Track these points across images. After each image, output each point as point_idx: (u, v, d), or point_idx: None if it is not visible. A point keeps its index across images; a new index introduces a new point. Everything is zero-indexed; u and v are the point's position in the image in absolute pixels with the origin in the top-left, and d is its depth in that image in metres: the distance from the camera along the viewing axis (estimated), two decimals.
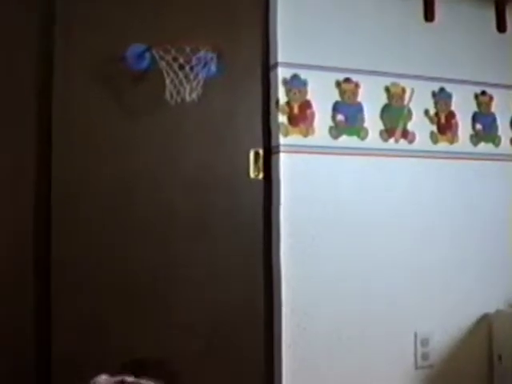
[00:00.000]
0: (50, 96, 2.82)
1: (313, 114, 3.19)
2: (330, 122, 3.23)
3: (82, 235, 2.80)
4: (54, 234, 2.76)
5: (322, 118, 3.21)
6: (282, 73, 3.15)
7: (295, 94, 3.16)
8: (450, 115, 3.52)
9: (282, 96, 3.14)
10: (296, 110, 3.16)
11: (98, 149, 2.87)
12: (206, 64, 2.84)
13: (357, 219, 3.24)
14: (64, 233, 2.77)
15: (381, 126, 3.34)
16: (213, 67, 2.90)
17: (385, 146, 3.34)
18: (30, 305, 2.73)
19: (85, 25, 2.87)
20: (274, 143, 3.13)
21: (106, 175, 2.87)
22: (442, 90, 3.50)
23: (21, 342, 2.70)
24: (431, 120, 3.47)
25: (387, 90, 3.36)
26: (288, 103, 3.14)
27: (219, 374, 2.91)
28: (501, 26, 3.71)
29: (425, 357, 3.32)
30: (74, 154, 2.83)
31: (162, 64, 2.81)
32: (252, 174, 3.11)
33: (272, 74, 3.18)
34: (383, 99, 3.36)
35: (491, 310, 3.47)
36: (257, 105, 3.16)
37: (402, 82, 3.39)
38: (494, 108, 3.65)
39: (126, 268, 2.83)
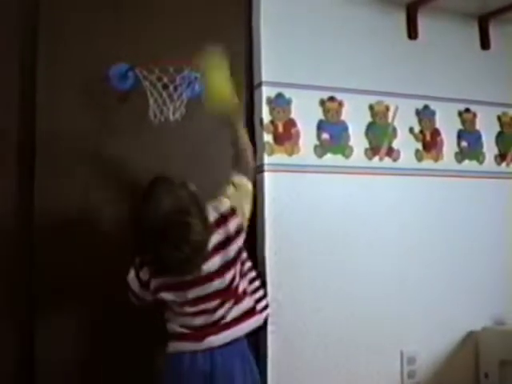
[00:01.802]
0: (33, 114, 2.81)
1: (298, 133, 3.20)
2: (315, 141, 3.24)
3: (64, 264, 2.79)
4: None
5: (306, 136, 3.21)
6: (266, 92, 3.16)
7: (279, 112, 3.16)
8: (435, 133, 3.54)
9: (266, 115, 3.14)
10: (281, 128, 3.16)
11: (81, 168, 2.85)
12: (189, 84, 2.84)
13: (342, 238, 3.24)
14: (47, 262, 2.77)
15: (366, 144, 3.35)
16: (197, 87, 2.90)
17: (370, 164, 3.35)
18: None
19: (68, 43, 2.88)
20: (258, 162, 3.12)
21: (89, 193, 2.86)
22: (425, 107, 3.52)
23: None
24: (416, 138, 3.49)
25: (371, 108, 3.38)
26: (272, 122, 3.14)
27: None
28: (484, 44, 3.74)
29: (411, 375, 3.31)
30: (57, 172, 2.82)
31: (146, 84, 2.80)
32: None
33: (256, 93, 3.19)
34: (367, 117, 3.37)
35: (477, 327, 3.47)
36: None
37: (386, 100, 3.41)
38: (478, 125, 3.67)
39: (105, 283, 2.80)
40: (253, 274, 2.69)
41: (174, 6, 3.08)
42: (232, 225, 2.53)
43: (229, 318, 2.52)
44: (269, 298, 3.01)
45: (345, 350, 3.18)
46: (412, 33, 3.52)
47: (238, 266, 2.56)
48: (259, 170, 3.12)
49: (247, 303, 2.59)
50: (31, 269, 2.75)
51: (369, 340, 3.23)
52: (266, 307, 2.72)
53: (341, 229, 3.24)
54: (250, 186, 2.66)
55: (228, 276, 2.50)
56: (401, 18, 3.51)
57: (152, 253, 2.38)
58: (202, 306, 2.49)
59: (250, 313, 2.60)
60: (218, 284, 2.48)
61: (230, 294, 2.53)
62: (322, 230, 3.20)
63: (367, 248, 3.28)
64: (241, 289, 2.58)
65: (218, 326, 2.50)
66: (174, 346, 2.52)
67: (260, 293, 2.71)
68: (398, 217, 3.37)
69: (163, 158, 2.97)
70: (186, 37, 3.04)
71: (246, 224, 2.61)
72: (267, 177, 3.10)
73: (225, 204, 2.56)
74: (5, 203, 2.75)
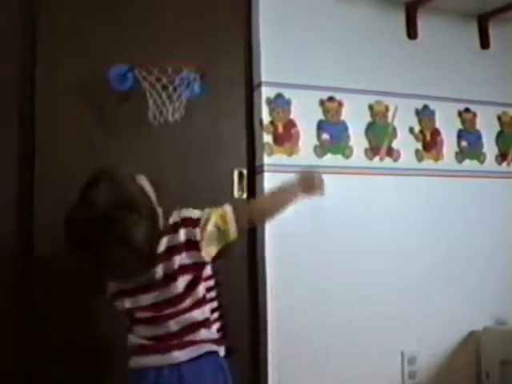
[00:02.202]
0: (32, 116, 2.80)
1: (297, 133, 3.19)
2: (315, 141, 3.23)
3: (62, 264, 2.76)
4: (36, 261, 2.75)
5: (306, 136, 3.21)
6: (266, 92, 3.15)
7: (279, 113, 3.16)
8: (435, 132, 3.54)
9: (265, 115, 3.13)
10: (280, 129, 3.16)
11: (81, 169, 2.83)
12: (189, 84, 2.83)
13: (342, 238, 3.23)
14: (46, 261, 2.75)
15: (366, 145, 3.35)
16: (196, 87, 2.90)
17: (370, 164, 3.34)
18: None
19: (67, 44, 2.87)
20: (258, 163, 3.13)
21: None
22: (425, 107, 3.51)
23: None
24: (416, 138, 3.48)
25: (371, 108, 3.37)
26: (272, 122, 3.14)
27: None
28: (484, 43, 3.74)
29: (412, 375, 3.31)
30: (57, 173, 2.80)
31: (145, 85, 2.79)
32: (236, 194, 3.10)
33: (256, 94, 3.18)
34: (367, 117, 3.37)
35: (478, 327, 3.46)
36: (241, 125, 3.17)
37: (386, 100, 3.40)
38: (478, 125, 3.66)
39: None
40: (214, 304, 2.34)
41: (173, 7, 3.07)
42: (183, 232, 2.21)
43: (188, 337, 2.21)
44: (269, 298, 3.02)
45: (345, 350, 3.17)
46: (411, 33, 3.52)
47: (182, 281, 2.20)
48: (259, 170, 3.12)
49: (208, 332, 2.25)
50: (31, 277, 2.75)
51: (369, 340, 3.23)
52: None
53: (341, 229, 3.23)
54: (232, 229, 2.25)
55: (174, 286, 2.19)
56: (400, 18, 3.51)
57: (90, 251, 2.09)
58: (153, 314, 2.21)
59: (215, 341, 2.26)
60: (164, 293, 2.19)
61: (183, 310, 2.21)
62: (322, 230, 3.19)
63: (368, 248, 3.27)
64: (198, 313, 2.23)
65: (183, 342, 2.20)
66: (137, 361, 2.24)
67: (217, 324, 2.34)
68: (399, 217, 3.37)
69: (163, 158, 2.97)
70: (185, 37, 3.04)
71: (208, 257, 2.24)
72: (267, 177, 3.09)
73: (191, 212, 2.27)
74: (5, 202, 2.75)
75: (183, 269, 2.20)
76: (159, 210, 2.23)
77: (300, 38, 3.26)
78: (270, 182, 3.09)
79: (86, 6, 2.93)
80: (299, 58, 3.24)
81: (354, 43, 3.38)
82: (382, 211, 3.33)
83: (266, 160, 3.10)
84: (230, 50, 3.17)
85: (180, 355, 2.19)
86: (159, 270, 2.19)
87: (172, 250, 2.21)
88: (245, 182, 3.11)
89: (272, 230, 3.08)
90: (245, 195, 3.10)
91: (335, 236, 3.22)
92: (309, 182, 2.46)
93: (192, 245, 2.21)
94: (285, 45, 3.22)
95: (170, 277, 2.19)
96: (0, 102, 2.77)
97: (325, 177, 3.15)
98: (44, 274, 2.74)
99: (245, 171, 3.12)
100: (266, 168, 3.09)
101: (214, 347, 2.24)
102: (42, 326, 2.72)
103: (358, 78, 3.35)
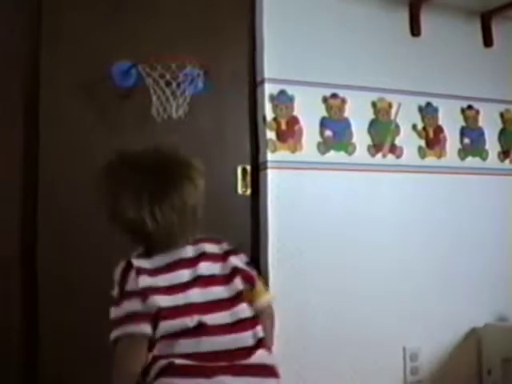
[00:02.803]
0: (36, 113, 2.81)
1: (301, 130, 3.20)
2: (318, 138, 3.24)
3: (68, 258, 2.79)
4: (40, 258, 2.77)
5: (309, 133, 3.22)
6: (269, 89, 3.16)
7: (282, 109, 3.16)
8: (438, 130, 3.54)
9: (268, 112, 3.14)
10: (284, 125, 3.16)
11: (84, 166, 2.85)
12: (192, 80, 2.84)
13: (345, 234, 3.24)
14: (51, 251, 2.77)
15: (368, 141, 3.35)
16: (200, 84, 2.91)
17: (373, 161, 3.35)
18: None
19: (71, 41, 2.87)
20: (261, 159, 3.13)
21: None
22: (428, 104, 3.51)
23: None
24: (419, 135, 3.48)
25: (374, 104, 3.38)
26: (275, 119, 3.15)
27: None
28: (487, 41, 3.73)
29: (414, 371, 3.31)
30: (61, 170, 2.82)
31: (149, 81, 2.80)
32: (240, 191, 3.11)
33: (259, 90, 3.19)
34: (370, 114, 3.37)
35: (480, 324, 3.47)
36: (244, 121, 3.17)
37: (389, 97, 3.40)
38: (481, 122, 3.66)
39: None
40: None
41: (176, 3, 3.08)
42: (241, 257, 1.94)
43: (241, 361, 1.74)
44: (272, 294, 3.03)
45: (347, 346, 3.18)
46: (415, 30, 3.52)
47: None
48: (263, 166, 3.13)
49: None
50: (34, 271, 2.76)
51: (371, 337, 3.23)
52: None
53: (344, 226, 3.24)
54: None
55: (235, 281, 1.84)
56: (404, 15, 3.51)
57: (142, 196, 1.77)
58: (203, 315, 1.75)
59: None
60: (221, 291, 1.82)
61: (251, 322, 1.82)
62: (325, 227, 3.20)
63: (370, 245, 3.28)
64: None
65: (240, 366, 1.73)
66: None
67: None
68: (401, 213, 3.37)
69: None
70: (189, 34, 3.04)
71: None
72: (270, 174, 3.11)
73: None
74: (9, 201, 2.76)
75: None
76: None
77: (303, 35, 3.26)
78: (273, 178, 3.11)
79: (88, 3, 2.93)
80: (302, 55, 3.24)
81: (358, 40, 3.38)
82: (384, 208, 3.34)
83: (270, 156, 3.11)
84: (233, 47, 3.17)
85: (230, 382, 1.69)
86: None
87: (230, 253, 1.92)
88: (248, 178, 3.12)
89: (275, 227, 3.09)
90: (249, 191, 3.11)
91: (338, 232, 3.22)
92: None
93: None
94: (288, 41, 3.23)
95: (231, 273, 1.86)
96: (5, 102, 2.78)
97: (328, 173, 3.22)
98: (46, 274, 2.76)
99: (248, 167, 3.13)
100: (269, 164, 3.10)
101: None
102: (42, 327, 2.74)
103: (361, 75, 3.35)
